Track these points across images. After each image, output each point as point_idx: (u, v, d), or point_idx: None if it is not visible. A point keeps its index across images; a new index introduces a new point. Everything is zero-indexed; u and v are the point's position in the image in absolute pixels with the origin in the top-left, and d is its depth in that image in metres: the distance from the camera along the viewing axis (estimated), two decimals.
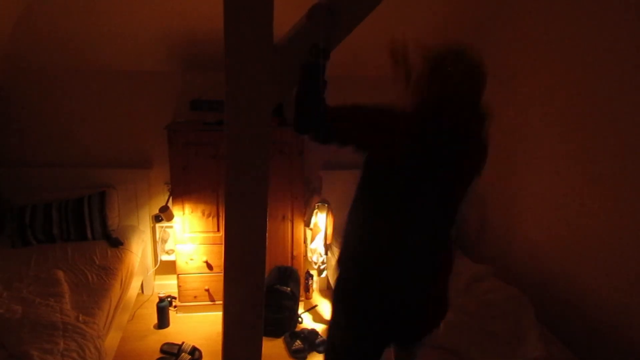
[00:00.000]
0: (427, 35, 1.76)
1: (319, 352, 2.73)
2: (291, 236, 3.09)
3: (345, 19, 0.83)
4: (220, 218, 3.01)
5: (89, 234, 2.93)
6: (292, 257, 3.13)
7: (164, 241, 3.31)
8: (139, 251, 3.04)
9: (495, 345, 1.93)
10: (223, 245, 0.84)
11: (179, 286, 3.07)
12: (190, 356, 2.58)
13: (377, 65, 3.22)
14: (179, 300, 3.09)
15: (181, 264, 3.03)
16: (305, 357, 2.69)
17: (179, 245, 3.01)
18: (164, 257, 3.31)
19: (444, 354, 1.89)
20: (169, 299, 3.06)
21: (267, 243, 0.91)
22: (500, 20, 2.76)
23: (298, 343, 2.72)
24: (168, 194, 3.05)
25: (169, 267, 3.29)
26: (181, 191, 2.91)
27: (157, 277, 3.39)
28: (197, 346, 2.68)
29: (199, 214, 2.96)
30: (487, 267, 2.52)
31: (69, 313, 2.09)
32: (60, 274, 2.43)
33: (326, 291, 3.48)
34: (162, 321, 2.94)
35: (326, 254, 3.21)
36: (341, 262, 1.44)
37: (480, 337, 1.96)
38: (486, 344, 1.92)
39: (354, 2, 0.82)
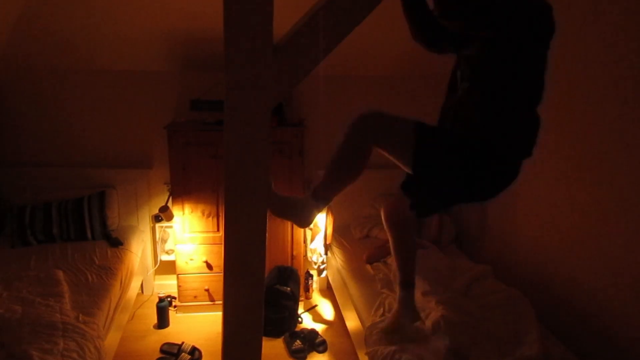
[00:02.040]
0: None
1: (319, 352, 2.73)
2: (291, 236, 3.09)
3: (345, 19, 0.83)
4: (220, 218, 3.02)
5: (89, 234, 2.93)
6: (292, 257, 3.13)
7: (164, 241, 3.31)
8: (139, 251, 3.04)
9: (496, 345, 1.93)
10: (223, 245, 0.84)
11: (178, 286, 3.07)
12: (190, 356, 2.58)
13: (377, 65, 3.23)
14: (179, 300, 3.09)
15: (181, 264, 3.03)
16: (305, 357, 2.69)
17: (178, 245, 3.01)
18: (164, 257, 3.31)
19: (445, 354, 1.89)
20: (168, 299, 3.06)
21: (267, 243, 0.91)
22: None
23: (298, 343, 2.72)
24: (168, 194, 3.05)
25: (168, 267, 3.29)
26: (181, 191, 2.91)
27: (157, 277, 3.39)
28: (197, 346, 2.68)
29: (199, 214, 2.96)
30: (486, 268, 2.52)
31: (68, 313, 2.09)
32: (60, 274, 2.43)
33: (326, 291, 3.48)
34: (162, 321, 2.94)
35: (326, 254, 3.21)
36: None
37: (481, 338, 1.96)
38: (486, 344, 1.92)
39: (354, 2, 0.82)
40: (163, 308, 2.93)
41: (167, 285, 3.32)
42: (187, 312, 3.09)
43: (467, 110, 1.54)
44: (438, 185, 1.62)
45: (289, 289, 2.92)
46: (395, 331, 1.97)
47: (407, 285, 1.91)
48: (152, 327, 2.95)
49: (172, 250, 3.24)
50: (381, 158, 1.87)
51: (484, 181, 1.59)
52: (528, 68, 1.47)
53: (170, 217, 2.98)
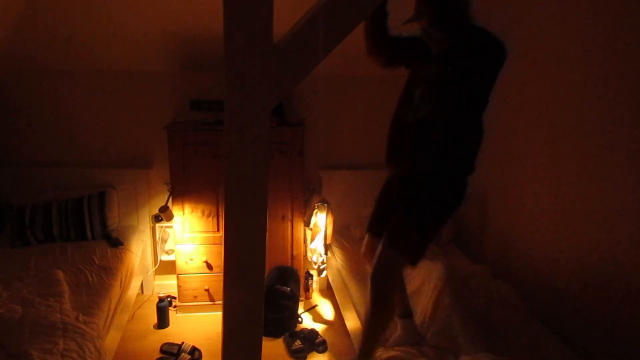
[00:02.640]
0: None
1: (319, 352, 2.73)
2: (291, 236, 3.09)
3: (345, 19, 0.83)
4: (220, 218, 3.02)
5: (89, 234, 2.93)
6: (292, 257, 3.13)
7: (164, 241, 3.31)
8: (139, 251, 3.04)
9: (490, 341, 1.93)
10: (223, 245, 0.84)
11: (178, 286, 3.07)
12: (190, 356, 2.58)
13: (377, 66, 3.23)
14: (179, 300, 3.09)
15: (181, 264, 3.03)
16: (305, 357, 2.69)
17: (178, 245, 3.01)
18: (164, 257, 3.31)
19: (440, 352, 1.89)
20: (168, 299, 3.06)
21: (267, 243, 0.91)
22: (499, 23, 2.76)
23: (298, 343, 2.72)
24: (168, 194, 3.05)
25: (168, 267, 3.29)
26: (181, 191, 2.91)
27: (157, 277, 3.39)
28: (197, 346, 2.68)
29: (199, 214, 2.96)
30: (484, 268, 2.52)
31: (68, 313, 2.09)
32: (60, 274, 2.43)
33: (326, 291, 3.48)
34: (162, 321, 2.94)
35: (326, 253, 3.21)
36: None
37: (476, 335, 1.96)
38: (480, 341, 1.92)
39: (354, 2, 0.82)
40: (163, 308, 2.93)
41: (167, 285, 3.32)
42: (187, 312, 3.09)
43: (432, 131, 1.70)
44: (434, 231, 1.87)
45: (289, 289, 2.92)
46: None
47: (407, 315, 2.03)
48: (152, 327, 2.95)
49: (172, 250, 3.24)
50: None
51: (457, 201, 1.81)
52: (483, 94, 1.66)
53: (170, 217, 2.98)
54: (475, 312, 2.12)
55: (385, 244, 1.80)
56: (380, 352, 1.90)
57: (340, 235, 3.23)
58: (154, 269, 3.34)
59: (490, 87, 1.66)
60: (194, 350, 2.64)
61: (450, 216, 1.87)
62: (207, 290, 3.07)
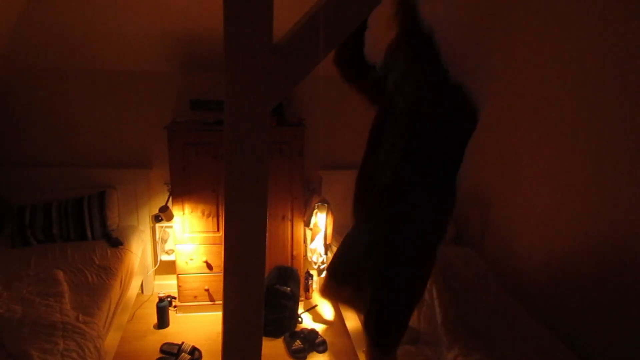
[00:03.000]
0: None
1: (319, 351, 2.73)
2: (291, 236, 3.09)
3: (345, 19, 0.83)
4: (220, 218, 3.02)
5: (89, 234, 2.93)
6: (292, 257, 3.14)
7: (164, 241, 3.31)
8: (139, 251, 3.04)
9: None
10: (223, 245, 0.84)
11: (178, 286, 3.07)
12: (190, 356, 2.58)
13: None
14: (179, 300, 3.09)
15: (181, 264, 3.03)
16: (305, 357, 2.70)
17: (178, 245, 3.01)
18: (164, 257, 3.32)
19: (438, 351, 1.90)
20: (168, 299, 3.06)
21: (267, 243, 0.91)
22: (500, 23, 2.76)
23: (298, 343, 2.72)
24: (168, 194, 3.05)
25: (168, 267, 3.29)
26: (181, 191, 2.91)
27: (157, 277, 3.39)
28: (197, 346, 2.68)
29: (199, 214, 2.96)
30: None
31: (68, 313, 2.09)
32: (60, 274, 2.43)
33: None
34: (162, 321, 2.94)
35: (326, 253, 3.21)
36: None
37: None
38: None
39: (354, 2, 0.82)
40: (163, 308, 2.93)
41: (167, 285, 3.32)
42: (187, 312, 3.09)
43: (397, 197, 1.60)
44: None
45: (289, 289, 2.92)
46: None
47: None
48: (152, 327, 2.95)
49: (172, 250, 3.24)
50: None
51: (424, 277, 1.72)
52: (451, 158, 1.52)
53: (170, 217, 2.98)
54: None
55: (368, 342, 1.77)
56: None
57: (340, 235, 3.21)
58: (154, 269, 3.34)
59: (459, 152, 1.52)
60: (194, 350, 2.64)
61: (423, 292, 1.74)
62: (207, 290, 3.07)
